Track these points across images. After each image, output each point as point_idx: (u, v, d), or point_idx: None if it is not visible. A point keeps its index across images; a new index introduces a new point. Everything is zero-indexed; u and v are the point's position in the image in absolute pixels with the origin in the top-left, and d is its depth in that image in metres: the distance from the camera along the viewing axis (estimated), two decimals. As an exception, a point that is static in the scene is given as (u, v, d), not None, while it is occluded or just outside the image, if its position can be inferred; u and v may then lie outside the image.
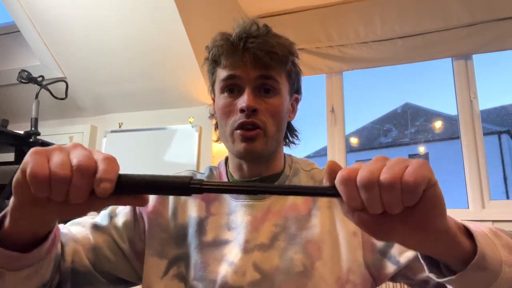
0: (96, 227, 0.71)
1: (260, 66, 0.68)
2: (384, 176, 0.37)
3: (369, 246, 0.66)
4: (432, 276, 0.48)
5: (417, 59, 2.17)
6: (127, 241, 0.71)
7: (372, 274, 0.66)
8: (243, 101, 0.68)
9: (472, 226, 0.47)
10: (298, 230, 0.68)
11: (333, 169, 0.41)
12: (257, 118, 0.68)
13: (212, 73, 0.75)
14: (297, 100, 0.80)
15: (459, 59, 2.13)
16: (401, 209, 0.38)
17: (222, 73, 0.71)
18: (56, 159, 0.40)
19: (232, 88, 0.70)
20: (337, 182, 0.40)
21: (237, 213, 0.71)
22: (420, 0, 2.14)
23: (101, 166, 0.41)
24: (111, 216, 0.74)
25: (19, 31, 2.08)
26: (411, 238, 0.42)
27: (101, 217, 0.74)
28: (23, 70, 2.03)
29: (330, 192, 0.42)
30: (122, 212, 0.74)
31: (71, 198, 0.41)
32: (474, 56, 2.12)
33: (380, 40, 2.20)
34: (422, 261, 0.49)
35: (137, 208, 0.75)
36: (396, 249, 0.64)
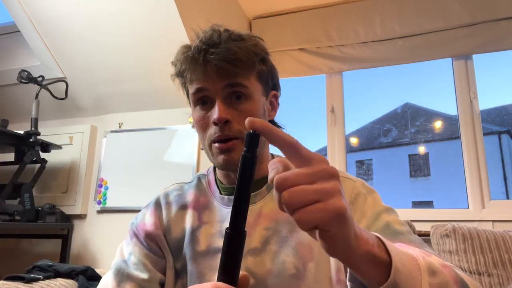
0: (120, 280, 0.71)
1: (225, 76, 0.67)
2: (287, 195, 0.38)
3: None
4: None
5: (417, 59, 2.17)
6: (152, 267, 0.72)
7: None
8: (214, 113, 0.67)
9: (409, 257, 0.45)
10: (290, 233, 0.67)
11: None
12: (231, 129, 0.67)
13: (184, 86, 0.74)
14: (276, 97, 0.79)
15: (459, 59, 2.13)
16: (307, 227, 0.38)
17: (191, 88, 0.71)
18: None
19: (204, 100, 0.70)
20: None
21: (228, 220, 0.71)
22: (420, 0, 2.14)
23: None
24: (126, 263, 0.73)
25: (19, 31, 2.08)
26: (338, 256, 0.42)
27: (113, 275, 0.73)
28: (23, 70, 2.03)
29: None
30: (129, 251, 0.74)
31: None
32: (474, 56, 2.12)
33: (380, 40, 2.20)
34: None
35: (136, 236, 0.76)
36: None
